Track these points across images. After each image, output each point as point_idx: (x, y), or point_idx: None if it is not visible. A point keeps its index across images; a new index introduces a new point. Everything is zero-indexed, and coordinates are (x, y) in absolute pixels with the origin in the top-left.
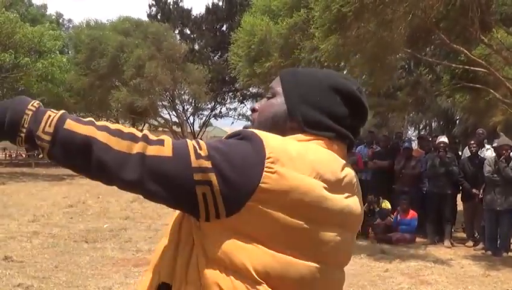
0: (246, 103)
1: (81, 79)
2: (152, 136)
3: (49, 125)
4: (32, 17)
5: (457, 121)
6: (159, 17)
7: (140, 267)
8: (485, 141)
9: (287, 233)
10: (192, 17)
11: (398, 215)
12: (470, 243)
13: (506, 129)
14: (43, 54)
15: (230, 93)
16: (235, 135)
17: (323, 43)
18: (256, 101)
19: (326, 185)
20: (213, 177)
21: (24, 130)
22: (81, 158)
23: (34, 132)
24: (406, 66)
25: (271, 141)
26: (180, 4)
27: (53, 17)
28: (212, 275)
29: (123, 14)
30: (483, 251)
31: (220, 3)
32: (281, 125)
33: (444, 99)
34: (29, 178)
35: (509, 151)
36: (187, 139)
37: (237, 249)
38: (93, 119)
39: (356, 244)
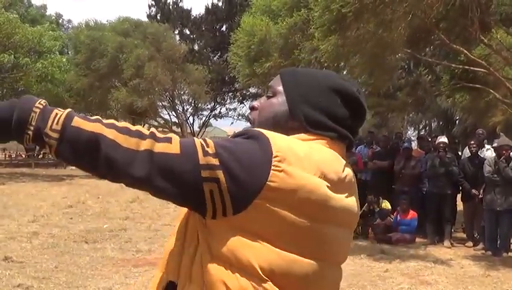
0: (245, 103)
1: (80, 79)
2: (159, 134)
3: (57, 123)
4: (32, 18)
5: (457, 121)
6: (158, 17)
7: (140, 267)
8: (485, 141)
9: (292, 231)
10: (192, 17)
11: (398, 216)
12: (470, 243)
13: (506, 129)
14: (42, 54)
15: (230, 94)
16: (242, 134)
17: (323, 44)
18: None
19: (329, 184)
20: (220, 174)
21: (32, 128)
22: (89, 155)
23: (42, 129)
24: (406, 67)
25: (278, 140)
26: (180, 4)
27: (53, 17)
28: (218, 272)
29: (123, 15)
30: (483, 251)
31: (220, 4)
32: (282, 125)
33: (443, 99)
34: (29, 178)
35: (509, 151)
36: (194, 137)
37: (243, 247)
38: (99, 117)
39: (356, 245)
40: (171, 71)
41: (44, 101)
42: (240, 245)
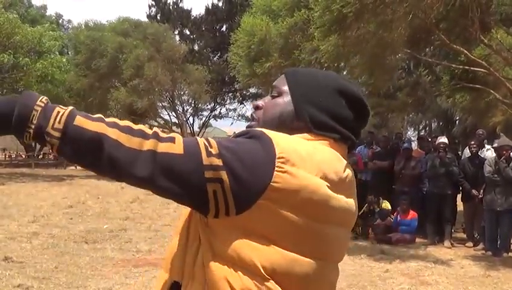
0: (245, 104)
1: (80, 80)
2: (162, 134)
3: (59, 122)
4: (32, 18)
5: (457, 122)
6: (158, 17)
7: (140, 267)
8: (485, 141)
9: (294, 231)
10: (192, 17)
11: (398, 216)
12: (470, 244)
13: (506, 130)
14: (42, 54)
15: (230, 94)
16: (244, 134)
17: (323, 44)
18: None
19: (329, 185)
20: (224, 175)
21: (33, 126)
22: (92, 155)
23: (44, 128)
24: (406, 67)
25: (280, 140)
26: (180, 5)
27: (53, 17)
28: (220, 270)
29: (122, 15)
30: (484, 252)
31: (220, 4)
32: (287, 125)
33: (443, 99)
34: (29, 179)
35: (510, 151)
36: (197, 137)
37: (246, 246)
38: (102, 116)
39: (356, 245)
40: (171, 71)
41: (45, 98)
42: (243, 245)
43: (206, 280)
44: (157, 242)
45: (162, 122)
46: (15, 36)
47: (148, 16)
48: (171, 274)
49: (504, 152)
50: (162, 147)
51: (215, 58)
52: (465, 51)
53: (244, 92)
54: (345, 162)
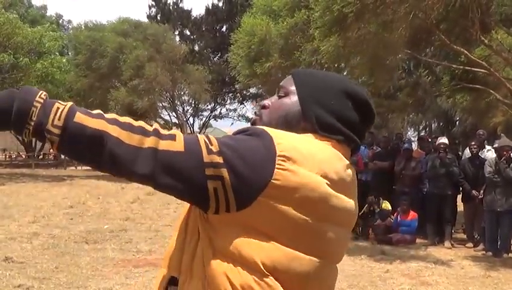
0: (245, 104)
1: (80, 80)
2: (163, 131)
3: (59, 119)
4: (32, 18)
5: (457, 122)
6: (158, 18)
7: (141, 268)
8: (486, 141)
9: (294, 228)
10: (192, 18)
11: (399, 216)
12: (470, 244)
13: (506, 130)
14: (42, 54)
15: (230, 94)
16: (244, 131)
17: (324, 44)
18: (256, 102)
19: (329, 183)
20: (225, 172)
21: (32, 123)
22: (92, 152)
23: (44, 125)
24: (406, 67)
25: (281, 138)
26: (180, 5)
27: (53, 18)
28: (219, 265)
29: (122, 15)
30: (484, 252)
31: (220, 4)
32: (294, 125)
33: (444, 100)
34: (29, 179)
35: (510, 152)
36: (198, 134)
37: (246, 243)
38: (102, 112)
39: (357, 245)
40: (171, 72)
41: (45, 93)
42: (243, 241)
43: (206, 275)
44: (158, 242)
45: (162, 122)
46: (15, 36)
47: (148, 16)
48: (169, 269)
49: (504, 153)
50: (163, 145)
51: (215, 59)
52: (466, 52)
53: (245, 92)
54: (346, 162)
